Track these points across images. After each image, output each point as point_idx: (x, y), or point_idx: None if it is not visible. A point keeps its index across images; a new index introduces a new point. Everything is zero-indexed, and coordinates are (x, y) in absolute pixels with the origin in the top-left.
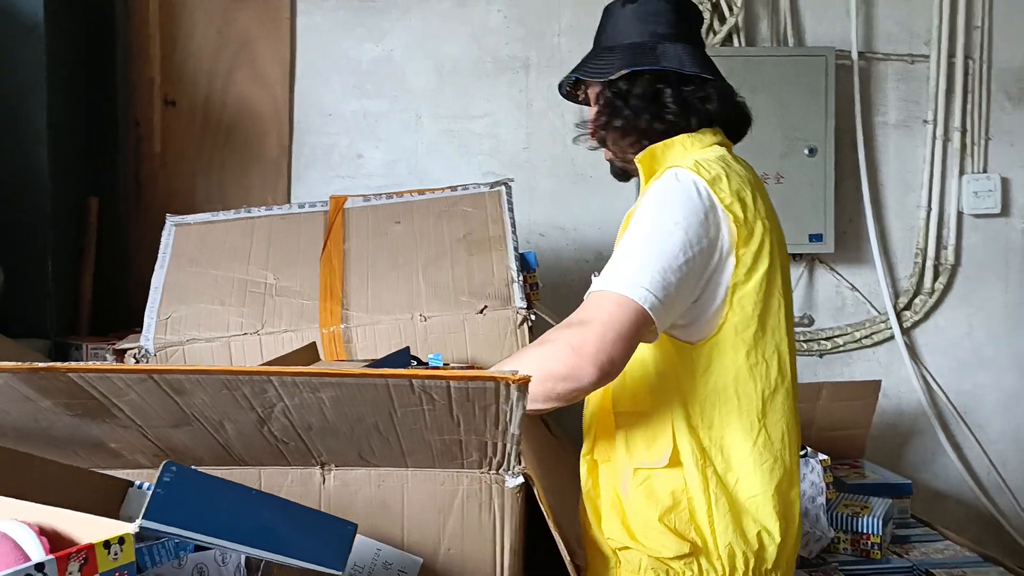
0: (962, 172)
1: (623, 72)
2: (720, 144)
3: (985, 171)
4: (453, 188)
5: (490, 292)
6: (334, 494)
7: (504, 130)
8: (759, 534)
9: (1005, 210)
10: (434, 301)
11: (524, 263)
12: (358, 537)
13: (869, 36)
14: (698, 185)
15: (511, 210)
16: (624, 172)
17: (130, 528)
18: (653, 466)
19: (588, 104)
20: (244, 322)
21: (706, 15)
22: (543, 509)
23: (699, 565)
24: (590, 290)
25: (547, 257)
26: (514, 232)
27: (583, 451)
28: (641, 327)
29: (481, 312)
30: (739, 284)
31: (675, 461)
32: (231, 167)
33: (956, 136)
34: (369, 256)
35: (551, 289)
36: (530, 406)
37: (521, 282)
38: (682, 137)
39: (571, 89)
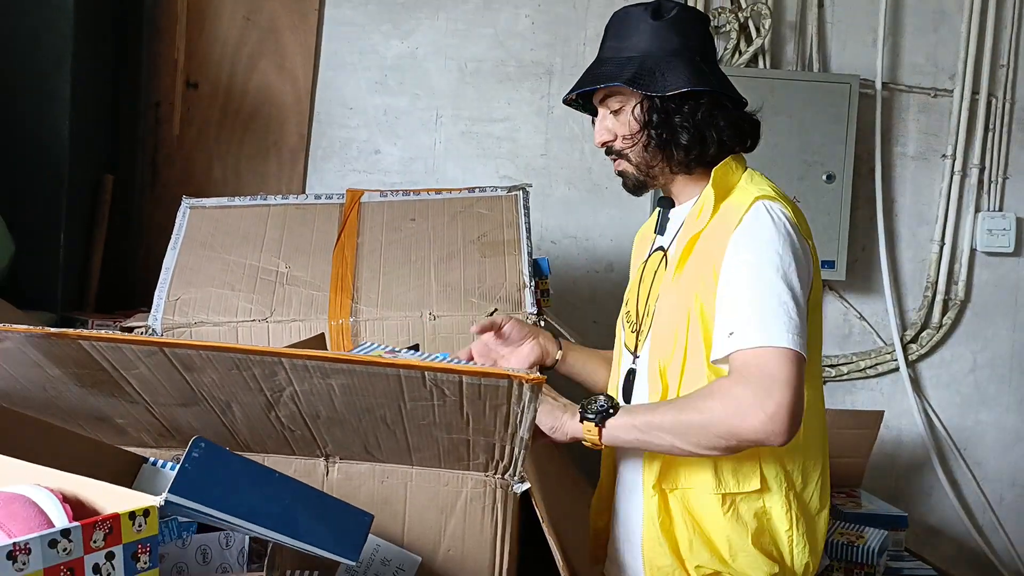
0: (978, 209)
1: (683, 90)
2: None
3: (1001, 209)
4: (471, 189)
5: (501, 295)
6: (337, 487)
7: (523, 135)
8: (823, 547)
9: (1018, 250)
10: (444, 300)
11: (537, 269)
12: None
13: (894, 67)
14: (788, 219)
15: (527, 215)
16: (641, 186)
17: (156, 501)
18: (741, 491)
19: (582, 109)
20: (253, 308)
21: (732, 35)
22: (540, 515)
23: None
24: (739, 346)
25: (557, 265)
26: (529, 237)
27: (648, 481)
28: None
29: (491, 315)
30: (811, 309)
31: (764, 487)
32: (249, 153)
33: (974, 172)
34: (382, 251)
35: (560, 298)
36: (696, 452)
37: (533, 287)
38: (728, 159)
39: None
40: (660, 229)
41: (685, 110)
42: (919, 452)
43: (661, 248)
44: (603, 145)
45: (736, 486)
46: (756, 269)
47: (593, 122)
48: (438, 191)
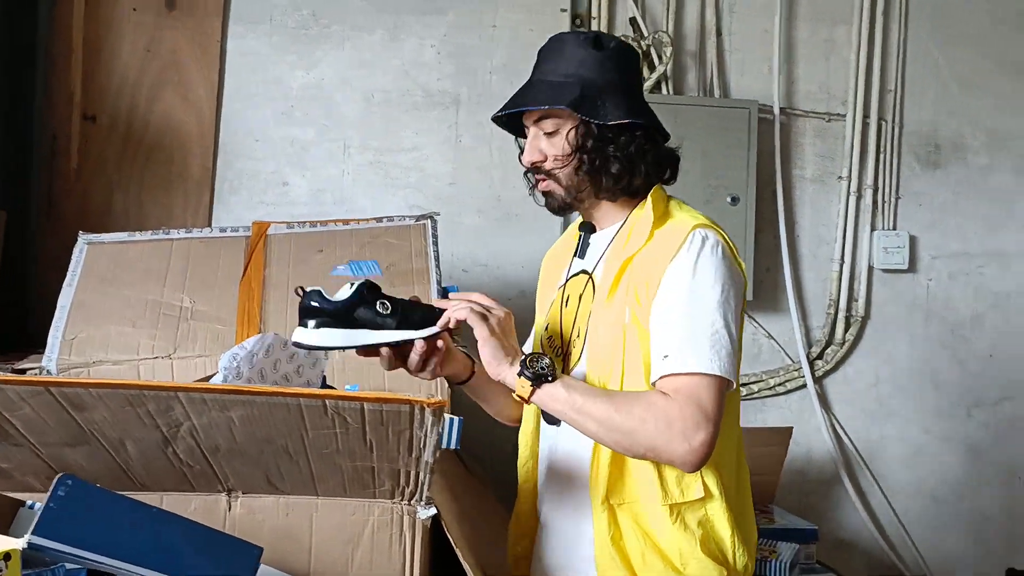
0: (873, 228)
1: (623, 121)
2: None
3: (895, 228)
4: (378, 219)
5: None
6: (239, 522)
7: (432, 164)
8: (755, 548)
9: (912, 266)
10: None
11: (446, 297)
12: (262, 567)
13: (790, 93)
14: (724, 247)
15: (436, 244)
16: (566, 208)
17: (18, 544)
18: (685, 500)
19: (506, 127)
20: (156, 345)
21: None
22: (452, 539)
23: None
24: (672, 370)
25: None
26: (438, 266)
27: (597, 498)
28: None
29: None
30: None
31: (707, 494)
32: (152, 187)
33: (868, 193)
34: (289, 283)
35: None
36: (610, 446)
37: None
38: (656, 188)
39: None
40: (581, 253)
41: (621, 141)
42: (828, 466)
43: (584, 272)
44: (532, 165)
45: (681, 496)
46: (694, 297)
47: (517, 142)
48: (345, 222)
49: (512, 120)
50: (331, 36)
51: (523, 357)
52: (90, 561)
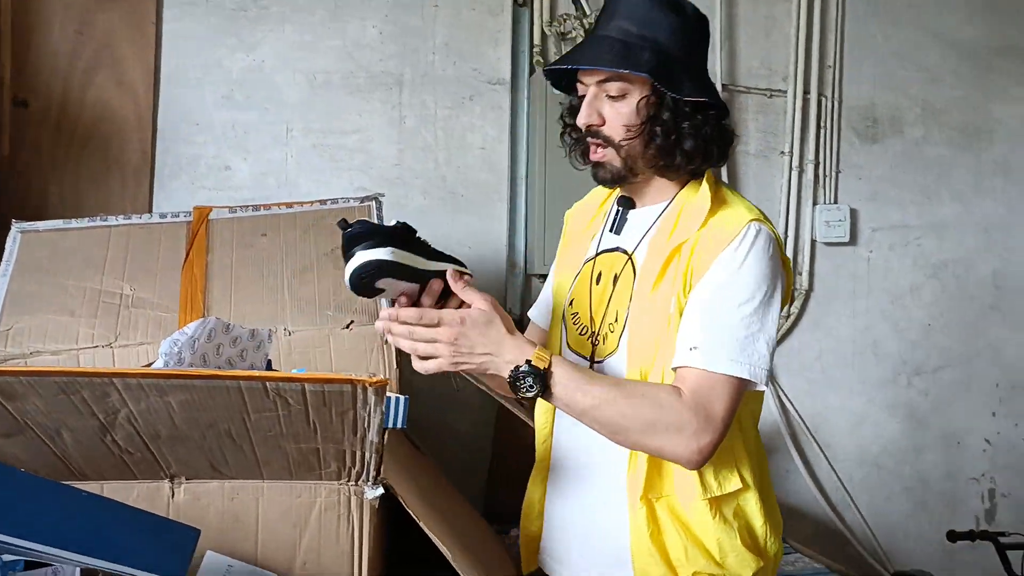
0: (815, 202)
1: (700, 99)
2: None
3: (836, 202)
4: (323, 202)
5: (357, 307)
6: (184, 508)
7: (376, 146)
8: (781, 533)
9: (853, 239)
10: (299, 315)
11: None
12: (208, 553)
13: (732, 69)
14: (775, 246)
15: None
16: (620, 179)
17: None
18: (723, 493)
19: (556, 83)
20: (96, 334)
21: (579, 40)
22: (413, 514)
23: None
24: (699, 365)
25: None
26: None
27: (634, 494)
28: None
29: (347, 327)
30: None
31: (744, 485)
32: (88, 173)
33: (810, 168)
34: (233, 268)
35: None
36: (613, 440)
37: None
38: (709, 171)
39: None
40: (616, 229)
41: (697, 119)
42: (776, 437)
43: (621, 250)
44: (588, 128)
45: (719, 488)
46: (735, 293)
47: (569, 99)
48: (289, 205)
49: (563, 74)
50: (271, 17)
51: (508, 375)
52: (18, 548)
